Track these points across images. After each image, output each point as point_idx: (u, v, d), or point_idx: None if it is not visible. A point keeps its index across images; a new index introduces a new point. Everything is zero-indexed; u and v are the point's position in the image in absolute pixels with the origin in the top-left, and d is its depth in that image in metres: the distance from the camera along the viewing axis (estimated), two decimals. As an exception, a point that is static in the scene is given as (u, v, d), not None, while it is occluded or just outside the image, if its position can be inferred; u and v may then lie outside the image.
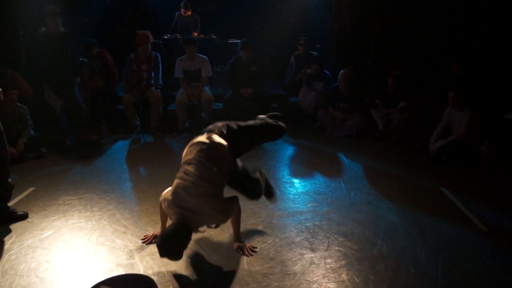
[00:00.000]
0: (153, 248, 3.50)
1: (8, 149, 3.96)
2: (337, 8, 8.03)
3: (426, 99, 6.92)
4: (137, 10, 9.87)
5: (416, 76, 7.27)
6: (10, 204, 4.28)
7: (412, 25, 7.50)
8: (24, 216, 4.04)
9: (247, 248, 3.45)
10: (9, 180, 4.05)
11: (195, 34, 8.88)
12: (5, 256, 3.39)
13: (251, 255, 3.39)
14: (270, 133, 3.63)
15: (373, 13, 7.74)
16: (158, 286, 2.99)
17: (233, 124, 3.36)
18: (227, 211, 3.21)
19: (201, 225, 3.13)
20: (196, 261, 3.34)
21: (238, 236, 3.50)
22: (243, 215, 3.99)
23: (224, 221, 3.26)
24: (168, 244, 2.86)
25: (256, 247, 3.51)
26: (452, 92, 5.71)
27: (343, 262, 3.31)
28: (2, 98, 4.02)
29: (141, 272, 3.17)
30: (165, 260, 3.30)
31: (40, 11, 6.19)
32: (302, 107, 7.52)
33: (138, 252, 3.45)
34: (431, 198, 4.55)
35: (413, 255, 3.41)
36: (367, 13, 7.79)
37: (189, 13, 9.05)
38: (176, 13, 9.17)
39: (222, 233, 3.74)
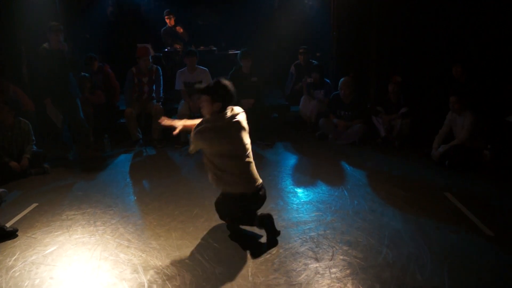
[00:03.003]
0: (157, 261, 3.50)
1: None
2: (336, 17, 8.05)
3: (428, 104, 6.91)
4: (137, 24, 9.93)
5: (417, 82, 7.27)
6: (14, 220, 4.30)
7: (411, 30, 7.51)
8: (14, 232, 4.02)
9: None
10: None
11: (177, 46, 9.02)
12: (9, 273, 3.39)
13: None
14: None
15: (371, 20, 7.76)
16: (163, 300, 2.99)
17: None
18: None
19: None
20: (201, 273, 3.32)
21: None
22: (246, 226, 4.00)
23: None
24: None
25: None
26: (453, 97, 5.69)
27: (348, 271, 3.28)
28: None
29: (146, 286, 3.15)
30: (169, 273, 3.30)
31: (42, 27, 6.24)
32: (304, 116, 7.51)
33: (142, 266, 3.44)
34: (436, 203, 4.52)
35: (419, 262, 3.38)
36: (366, 20, 7.80)
37: (172, 20, 9.14)
38: (162, 30, 9.24)
39: (226, 246, 3.73)
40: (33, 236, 4.01)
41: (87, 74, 7.26)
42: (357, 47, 7.90)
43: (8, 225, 4.19)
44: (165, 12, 9.17)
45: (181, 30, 9.05)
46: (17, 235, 4.02)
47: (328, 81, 7.64)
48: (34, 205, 4.75)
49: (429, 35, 7.43)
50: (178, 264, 3.46)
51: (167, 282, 3.21)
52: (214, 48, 9.24)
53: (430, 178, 5.29)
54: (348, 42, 7.98)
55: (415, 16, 7.46)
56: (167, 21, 9.17)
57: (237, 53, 7.47)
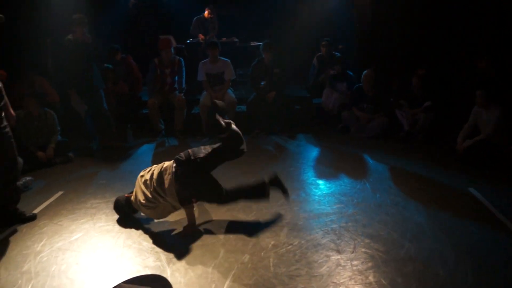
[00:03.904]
0: (179, 249, 3.54)
1: (16, 152, 4.09)
2: (359, 8, 7.97)
3: (452, 98, 6.80)
4: (159, 16, 9.98)
5: (441, 75, 7.14)
6: (40, 207, 4.41)
7: (436, 22, 7.38)
8: (33, 218, 4.17)
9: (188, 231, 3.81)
10: (18, 183, 4.20)
11: (201, 36, 9.04)
12: (37, 258, 3.48)
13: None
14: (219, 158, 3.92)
15: (395, 11, 7.65)
16: (185, 286, 3.03)
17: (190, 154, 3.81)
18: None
19: None
20: (223, 262, 3.35)
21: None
22: (268, 217, 4.06)
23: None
24: None
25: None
26: (479, 91, 5.59)
27: (369, 264, 3.28)
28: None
29: (168, 274, 3.20)
30: (192, 261, 3.34)
31: (67, 19, 6.32)
32: (326, 108, 7.47)
33: (165, 254, 3.48)
34: (459, 199, 4.46)
35: (442, 258, 3.35)
36: (389, 12, 7.70)
37: (212, 15, 9.15)
38: (195, 18, 9.25)
39: (249, 235, 3.75)
40: (59, 223, 4.09)
41: (110, 66, 7.34)
42: (380, 39, 7.80)
43: (35, 212, 4.30)
44: (209, 6, 9.15)
45: (202, 39, 9.05)
46: (35, 218, 4.18)
47: (351, 73, 7.58)
48: (60, 193, 4.85)
49: (454, 27, 7.29)
50: (200, 253, 3.49)
51: (189, 270, 3.25)
52: (236, 40, 9.23)
53: (454, 173, 5.22)
54: (371, 34, 7.89)
55: (440, 7, 7.33)
56: (206, 13, 9.16)
57: (259, 44, 7.46)
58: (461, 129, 5.83)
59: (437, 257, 3.35)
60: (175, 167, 3.76)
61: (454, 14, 7.30)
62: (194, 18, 9.28)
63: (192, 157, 3.77)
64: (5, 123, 3.88)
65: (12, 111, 4.12)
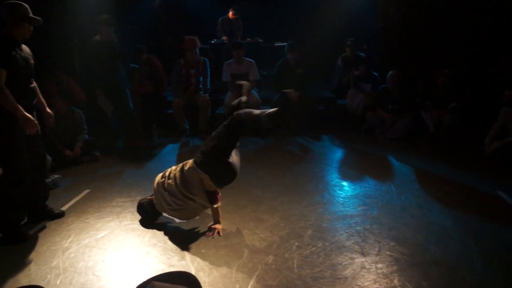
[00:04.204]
0: (204, 249, 3.57)
1: (45, 151, 4.19)
2: (383, 8, 7.89)
3: (479, 99, 6.67)
4: (184, 16, 10.06)
5: (468, 75, 7.01)
6: (68, 205, 4.50)
7: (462, 20, 7.24)
8: (61, 214, 4.26)
9: (218, 231, 3.81)
10: (47, 180, 4.30)
11: (225, 37, 9.10)
12: (65, 254, 3.55)
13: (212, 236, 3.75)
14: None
15: (420, 11, 7.54)
16: (209, 286, 3.04)
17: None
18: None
19: None
20: (247, 262, 3.36)
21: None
22: (292, 218, 4.06)
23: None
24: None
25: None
26: (508, 91, 5.47)
27: (394, 267, 3.24)
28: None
29: (193, 273, 3.22)
30: (216, 261, 3.36)
31: (94, 20, 6.43)
32: (350, 109, 7.43)
33: (190, 254, 3.51)
34: (487, 202, 4.38)
35: (469, 262, 3.29)
36: (414, 11, 7.59)
37: (236, 16, 9.21)
38: (220, 19, 9.31)
39: (272, 236, 3.76)
40: (86, 220, 4.17)
41: (135, 65, 7.44)
42: (405, 39, 7.70)
43: (63, 209, 4.39)
44: (233, 6, 9.25)
45: (226, 40, 9.12)
46: (63, 215, 4.27)
47: (376, 74, 7.51)
48: (86, 191, 4.93)
49: (481, 26, 7.14)
50: (224, 253, 3.51)
51: (213, 270, 3.27)
52: (260, 40, 9.25)
53: (482, 175, 5.12)
54: (396, 34, 7.80)
55: (466, 6, 7.19)
56: (230, 13, 9.25)
57: (283, 45, 7.47)
58: (488, 131, 5.72)
59: (464, 262, 3.30)
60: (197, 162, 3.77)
61: (481, 12, 7.15)
62: (219, 19, 9.35)
63: (205, 149, 3.76)
64: (35, 120, 3.95)
65: (49, 110, 4.17)
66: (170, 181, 3.83)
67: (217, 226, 3.87)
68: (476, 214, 4.10)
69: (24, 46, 3.83)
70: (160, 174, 4.01)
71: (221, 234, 3.80)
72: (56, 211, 4.26)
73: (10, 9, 3.63)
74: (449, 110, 6.42)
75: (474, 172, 5.25)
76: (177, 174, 3.82)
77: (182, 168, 3.85)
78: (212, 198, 3.79)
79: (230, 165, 3.73)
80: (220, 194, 3.95)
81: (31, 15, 3.72)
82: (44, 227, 4.04)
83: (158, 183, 3.92)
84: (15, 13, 3.63)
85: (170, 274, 3.16)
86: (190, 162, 3.86)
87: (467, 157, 5.79)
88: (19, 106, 3.59)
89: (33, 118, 3.71)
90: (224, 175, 3.77)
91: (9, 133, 3.65)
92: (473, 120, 6.43)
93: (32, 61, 3.86)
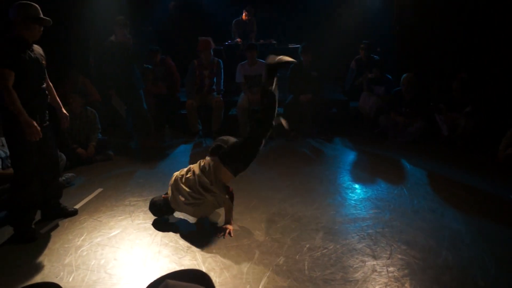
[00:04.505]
0: (215, 250, 3.58)
1: (57, 152, 4.22)
2: (398, 10, 7.85)
3: (495, 103, 6.59)
4: (198, 17, 10.11)
5: (483, 79, 6.94)
6: (81, 203, 4.55)
7: (478, 24, 7.16)
8: (74, 213, 4.31)
9: (230, 231, 3.84)
10: (60, 179, 4.33)
11: (239, 40, 9.17)
12: (78, 251, 3.59)
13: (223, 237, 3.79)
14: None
15: (435, 14, 7.48)
16: (220, 286, 3.05)
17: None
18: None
19: None
20: (257, 264, 3.37)
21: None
22: (303, 220, 4.06)
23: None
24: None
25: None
26: (524, 96, 5.42)
27: (406, 271, 3.22)
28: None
29: (204, 273, 3.24)
30: (227, 262, 3.37)
31: (109, 21, 6.49)
32: (363, 112, 7.39)
33: (201, 254, 3.53)
34: (501, 207, 4.34)
35: (482, 267, 3.26)
36: (430, 14, 7.54)
37: (249, 17, 9.25)
38: (234, 21, 9.35)
39: (283, 238, 3.76)
40: (98, 219, 4.21)
41: (149, 66, 7.49)
42: (420, 42, 7.65)
43: (76, 207, 4.44)
44: (247, 7, 9.31)
45: (240, 41, 9.17)
46: (77, 213, 4.32)
47: (390, 77, 7.47)
48: (99, 190, 4.98)
49: (497, 29, 7.06)
50: (235, 253, 3.52)
51: (224, 270, 3.28)
52: (274, 42, 9.26)
53: (496, 180, 5.06)
54: (410, 37, 7.75)
55: (482, 9, 7.12)
56: (244, 15, 9.32)
57: (297, 47, 7.46)
58: (503, 136, 5.65)
59: (477, 266, 3.27)
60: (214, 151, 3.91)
61: (497, 15, 7.06)
62: (233, 21, 9.39)
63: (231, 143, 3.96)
64: (47, 122, 3.98)
65: (64, 111, 4.17)
66: (189, 175, 3.92)
67: (229, 226, 3.89)
68: (489, 218, 4.06)
69: (36, 47, 3.84)
70: (178, 171, 4.07)
71: (232, 235, 3.81)
72: (69, 209, 4.32)
73: (20, 10, 3.60)
74: (464, 114, 6.36)
75: (488, 176, 5.19)
76: (196, 168, 3.92)
77: (200, 163, 3.97)
78: (227, 189, 3.88)
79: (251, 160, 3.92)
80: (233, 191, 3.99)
81: (41, 15, 3.69)
82: (57, 225, 4.09)
83: (176, 178, 3.98)
84: (25, 14, 3.60)
85: (184, 272, 3.16)
86: (207, 158, 3.95)
87: (481, 161, 5.73)
88: (24, 110, 3.56)
89: (36, 124, 3.64)
90: (242, 167, 3.92)
91: (19, 135, 3.65)
92: (487, 124, 6.35)
93: (44, 62, 3.87)
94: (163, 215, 4.15)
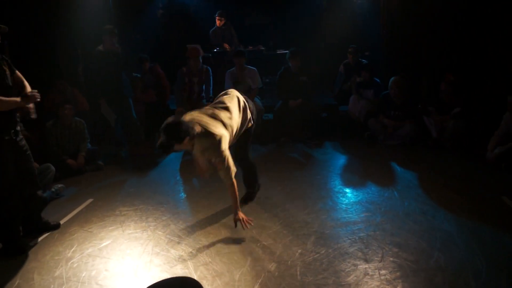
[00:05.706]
0: (207, 258, 3.57)
1: (33, 164, 4.08)
2: (386, 14, 7.91)
3: (483, 105, 6.65)
4: (186, 25, 10.12)
5: (471, 81, 7.00)
6: (71, 214, 4.51)
7: (465, 26, 7.23)
8: (56, 226, 4.23)
9: (245, 221, 3.77)
10: (39, 192, 4.16)
11: (227, 46, 9.06)
12: (68, 263, 3.56)
13: (247, 228, 3.78)
14: None
15: (422, 16, 7.55)
16: (212, 295, 3.04)
17: None
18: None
19: None
20: (250, 270, 3.36)
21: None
22: (295, 225, 4.05)
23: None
24: None
25: (251, 219, 3.85)
26: (511, 96, 5.47)
27: (398, 274, 3.23)
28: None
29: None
30: (219, 269, 3.35)
31: (97, 30, 6.48)
32: (352, 116, 7.42)
33: (192, 262, 3.51)
34: (491, 207, 4.36)
35: (473, 268, 3.27)
36: (417, 17, 7.60)
37: (223, 22, 9.20)
38: (210, 31, 9.32)
39: (275, 244, 3.75)
40: (89, 230, 4.18)
41: (138, 75, 7.47)
42: (407, 45, 7.70)
43: (66, 218, 4.40)
44: (218, 12, 9.26)
45: (228, 48, 9.13)
46: (59, 227, 4.25)
47: (378, 80, 7.51)
48: (90, 200, 4.95)
49: (485, 32, 7.14)
50: (227, 260, 3.51)
51: (216, 278, 3.27)
52: (263, 48, 9.29)
53: (485, 181, 5.10)
54: (398, 40, 7.80)
55: (469, 11, 7.19)
56: (217, 22, 9.27)
57: (286, 52, 7.48)
58: (492, 136, 5.70)
59: (469, 268, 3.28)
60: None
61: (484, 17, 7.14)
62: (210, 31, 9.33)
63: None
64: (21, 136, 3.87)
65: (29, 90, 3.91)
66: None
67: (240, 215, 3.81)
68: (480, 219, 4.08)
69: None
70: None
71: (252, 222, 3.83)
72: (52, 223, 4.23)
73: None
74: (452, 116, 6.40)
75: (478, 177, 5.23)
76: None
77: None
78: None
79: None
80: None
81: None
82: (47, 237, 4.05)
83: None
84: None
85: (175, 279, 3.12)
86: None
87: (471, 162, 5.77)
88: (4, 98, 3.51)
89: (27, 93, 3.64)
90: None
91: None
92: (476, 126, 6.40)
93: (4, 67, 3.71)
94: (172, 147, 3.79)
